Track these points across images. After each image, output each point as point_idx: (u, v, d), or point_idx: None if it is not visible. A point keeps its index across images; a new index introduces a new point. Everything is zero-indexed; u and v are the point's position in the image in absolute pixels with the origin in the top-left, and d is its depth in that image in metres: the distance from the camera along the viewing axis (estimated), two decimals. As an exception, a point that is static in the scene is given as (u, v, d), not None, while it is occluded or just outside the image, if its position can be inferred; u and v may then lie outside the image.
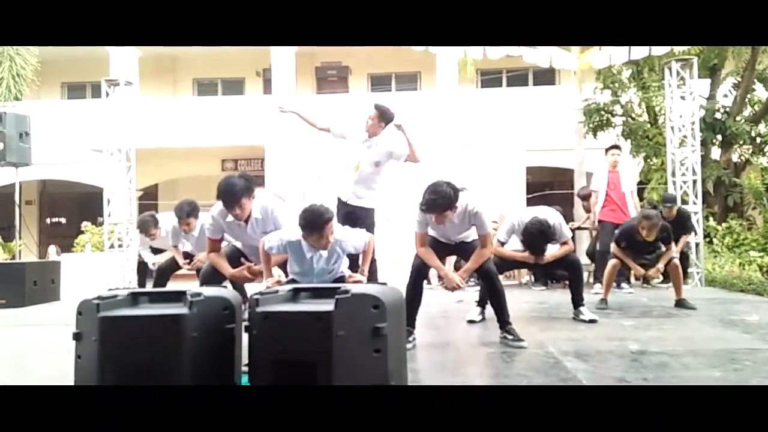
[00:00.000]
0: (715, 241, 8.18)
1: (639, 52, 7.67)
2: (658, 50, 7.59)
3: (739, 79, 9.29)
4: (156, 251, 5.93)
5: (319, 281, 3.32)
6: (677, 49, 7.67)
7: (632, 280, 6.68)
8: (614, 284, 5.72)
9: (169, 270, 5.33)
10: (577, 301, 4.44)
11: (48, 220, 14.42)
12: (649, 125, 9.15)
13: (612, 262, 5.02)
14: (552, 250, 4.62)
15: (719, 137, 9.02)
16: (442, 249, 3.84)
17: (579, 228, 7.97)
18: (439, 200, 3.38)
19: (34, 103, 10.85)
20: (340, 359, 1.96)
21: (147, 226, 5.61)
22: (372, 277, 3.58)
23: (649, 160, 8.89)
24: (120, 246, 8.08)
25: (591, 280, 6.85)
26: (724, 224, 8.43)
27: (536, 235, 4.25)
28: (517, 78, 13.50)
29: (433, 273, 8.14)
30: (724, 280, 6.67)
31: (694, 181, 7.21)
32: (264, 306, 2.09)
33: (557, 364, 3.09)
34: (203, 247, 4.74)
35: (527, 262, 4.65)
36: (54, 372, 2.95)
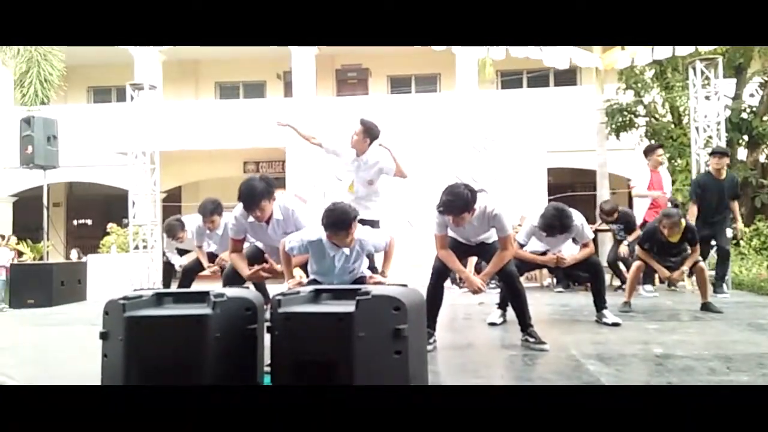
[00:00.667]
0: (742, 243, 8.01)
1: (662, 51, 7.55)
2: (682, 50, 7.46)
3: (766, 79, 9.10)
4: (182, 252, 6.02)
5: (339, 281, 3.34)
6: (702, 48, 7.55)
7: (657, 282, 6.59)
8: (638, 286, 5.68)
9: (193, 271, 5.40)
10: (600, 304, 4.38)
11: (74, 222, 14.70)
12: (673, 126, 9.01)
13: (636, 264, 4.95)
14: (572, 251, 4.57)
15: (745, 137, 8.85)
16: (462, 250, 3.82)
17: (599, 230, 7.88)
18: (457, 202, 3.37)
19: (61, 107, 11.09)
20: (360, 360, 1.97)
21: (174, 230, 5.70)
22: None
23: (673, 161, 8.75)
24: (145, 247, 8.21)
25: (614, 282, 6.78)
26: (751, 226, 8.26)
27: (552, 218, 4.13)
28: (538, 79, 13.40)
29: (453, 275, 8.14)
30: (752, 283, 6.53)
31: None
32: (286, 307, 2.11)
33: (580, 367, 3.06)
34: (227, 247, 4.81)
35: (548, 265, 4.60)
36: (81, 370, 3.01)
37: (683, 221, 4.79)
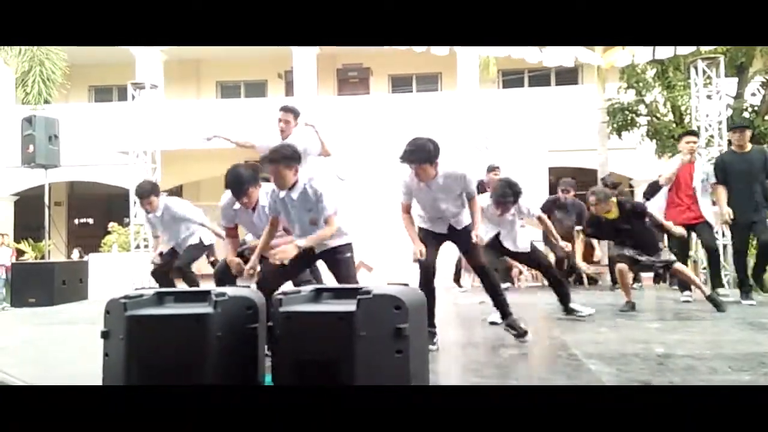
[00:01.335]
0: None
1: (664, 51, 7.55)
2: (684, 49, 7.46)
3: (768, 78, 9.09)
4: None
5: (300, 225, 3.36)
6: (703, 47, 7.54)
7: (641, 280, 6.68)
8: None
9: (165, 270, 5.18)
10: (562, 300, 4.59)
11: (76, 221, 14.72)
12: (674, 125, 9.00)
13: (618, 267, 4.91)
14: (526, 237, 4.70)
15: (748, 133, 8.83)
16: (436, 241, 3.78)
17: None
18: (418, 152, 3.40)
19: (62, 107, 11.09)
20: (361, 360, 1.97)
21: (143, 192, 5.21)
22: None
23: (674, 161, 8.75)
24: (146, 246, 8.21)
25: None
26: (753, 225, 8.24)
27: (504, 188, 4.32)
28: (539, 78, 13.39)
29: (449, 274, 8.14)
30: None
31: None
32: (287, 306, 2.11)
33: (581, 366, 3.05)
34: (172, 233, 5.05)
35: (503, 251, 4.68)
36: (82, 370, 3.01)
37: (615, 198, 4.84)
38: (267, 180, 3.61)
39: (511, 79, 13.46)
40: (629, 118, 9.02)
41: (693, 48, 7.47)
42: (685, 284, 5.40)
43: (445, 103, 11.33)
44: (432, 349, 3.11)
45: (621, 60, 8.25)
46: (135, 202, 8.25)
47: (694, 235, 5.71)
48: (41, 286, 6.46)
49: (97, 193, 13.58)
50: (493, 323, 4.44)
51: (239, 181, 3.50)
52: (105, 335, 2.20)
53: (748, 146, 5.45)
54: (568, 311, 4.57)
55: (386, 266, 8.07)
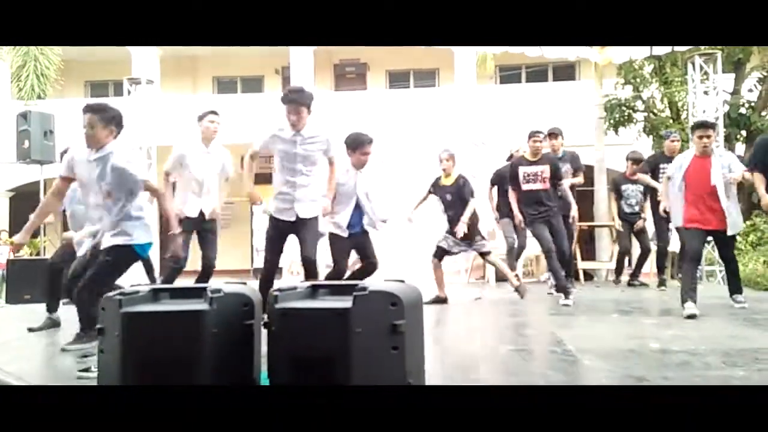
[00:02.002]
0: (739, 238, 8.03)
1: (661, 47, 7.55)
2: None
3: (765, 74, 9.10)
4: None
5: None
6: (700, 43, 7.55)
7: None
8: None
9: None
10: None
11: (72, 217, 14.66)
12: (671, 121, 9.01)
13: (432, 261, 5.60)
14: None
15: (744, 133, 8.85)
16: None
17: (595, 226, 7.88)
18: (294, 94, 3.72)
19: (57, 102, 11.03)
20: (358, 356, 1.97)
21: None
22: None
23: (671, 157, 8.77)
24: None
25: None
26: (748, 222, 8.28)
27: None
28: (537, 74, 13.39)
29: (454, 269, 8.16)
30: (748, 279, 6.55)
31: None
32: (283, 302, 2.10)
33: (576, 362, 3.07)
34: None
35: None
36: (78, 366, 3.01)
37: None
38: None
39: (509, 74, 13.45)
40: (626, 114, 9.02)
41: (690, 44, 7.48)
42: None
43: (443, 98, 11.32)
44: None
45: (618, 56, 8.24)
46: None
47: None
48: (36, 282, 6.44)
49: (94, 189, 13.53)
50: (566, 305, 4.89)
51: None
52: (100, 332, 2.19)
53: None
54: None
55: (382, 262, 8.08)
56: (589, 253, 9.53)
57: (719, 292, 5.69)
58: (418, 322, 2.23)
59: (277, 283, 3.25)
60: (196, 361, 2.06)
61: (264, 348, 2.17)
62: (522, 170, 5.27)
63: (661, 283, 6.35)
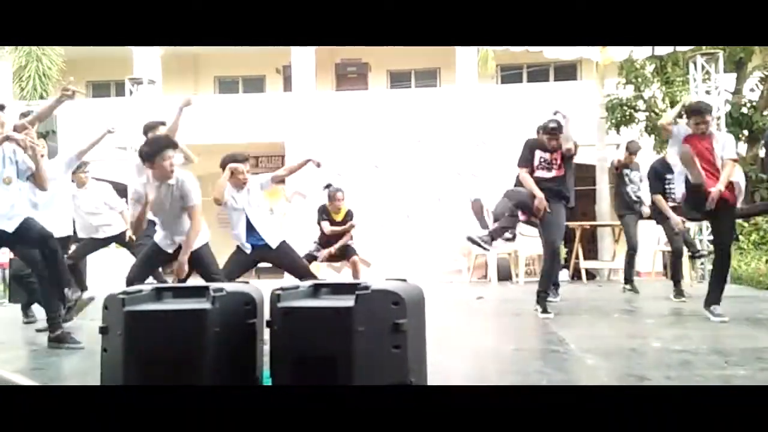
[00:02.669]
0: (741, 238, 8.03)
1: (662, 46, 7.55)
2: (683, 45, 7.46)
3: (767, 73, 9.09)
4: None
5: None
6: (702, 42, 7.54)
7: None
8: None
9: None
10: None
11: (74, 217, 14.67)
12: (671, 125, 8.99)
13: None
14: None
15: (745, 132, 8.84)
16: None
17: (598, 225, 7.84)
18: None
19: (59, 102, 11.02)
20: (360, 355, 1.97)
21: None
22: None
23: (673, 156, 8.75)
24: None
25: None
26: (750, 221, 8.27)
27: None
28: (538, 73, 13.37)
29: (456, 268, 8.16)
30: (751, 278, 6.56)
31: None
32: (285, 302, 2.11)
33: (578, 361, 3.07)
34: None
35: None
36: (80, 365, 3.02)
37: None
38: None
39: (510, 74, 13.43)
40: (628, 113, 9.01)
41: (692, 43, 7.47)
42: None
43: (444, 98, 11.31)
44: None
45: (619, 55, 8.24)
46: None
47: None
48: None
49: (95, 189, 13.55)
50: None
51: None
52: (103, 331, 2.20)
53: None
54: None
55: (384, 261, 8.09)
56: (592, 253, 9.53)
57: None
58: (420, 321, 2.24)
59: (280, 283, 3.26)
60: (199, 360, 2.06)
61: (266, 347, 2.18)
62: (539, 154, 4.78)
63: (679, 293, 5.33)
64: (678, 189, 4.55)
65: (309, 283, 2.36)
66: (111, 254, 8.88)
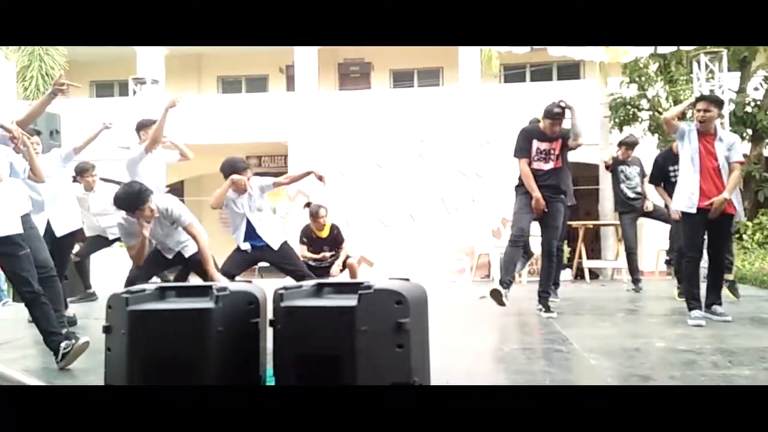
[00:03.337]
0: (745, 237, 8.01)
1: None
2: (686, 43, 7.43)
3: (771, 72, 9.06)
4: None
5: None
6: (706, 41, 7.52)
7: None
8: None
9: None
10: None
11: (77, 216, 14.69)
12: (676, 120, 8.97)
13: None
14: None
15: (749, 131, 8.81)
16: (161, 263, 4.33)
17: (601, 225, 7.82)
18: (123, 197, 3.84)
19: (63, 102, 11.06)
20: (363, 354, 1.97)
21: (82, 170, 5.72)
22: None
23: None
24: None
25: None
26: (754, 220, 8.25)
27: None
28: (541, 72, 13.35)
29: (459, 267, 8.15)
30: (754, 277, 6.53)
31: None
32: (288, 301, 2.11)
33: (581, 361, 3.06)
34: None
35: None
36: (84, 365, 3.03)
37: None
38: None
39: (513, 73, 13.42)
40: (631, 112, 8.99)
41: (695, 42, 7.45)
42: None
43: (447, 97, 11.29)
44: None
45: (624, 56, 8.21)
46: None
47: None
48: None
49: (99, 189, 13.57)
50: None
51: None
52: (107, 330, 2.20)
53: None
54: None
55: (387, 261, 8.08)
56: (595, 252, 9.51)
57: (725, 291, 5.67)
58: (423, 321, 2.24)
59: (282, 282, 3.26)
60: (202, 360, 2.07)
61: (270, 346, 2.18)
62: (536, 144, 4.50)
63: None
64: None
65: (312, 282, 2.37)
66: (114, 254, 8.90)
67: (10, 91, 12.13)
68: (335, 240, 5.80)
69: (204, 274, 3.99)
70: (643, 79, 9.09)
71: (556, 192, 4.47)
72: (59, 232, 4.35)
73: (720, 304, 4.12)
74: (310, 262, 5.52)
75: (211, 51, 13.82)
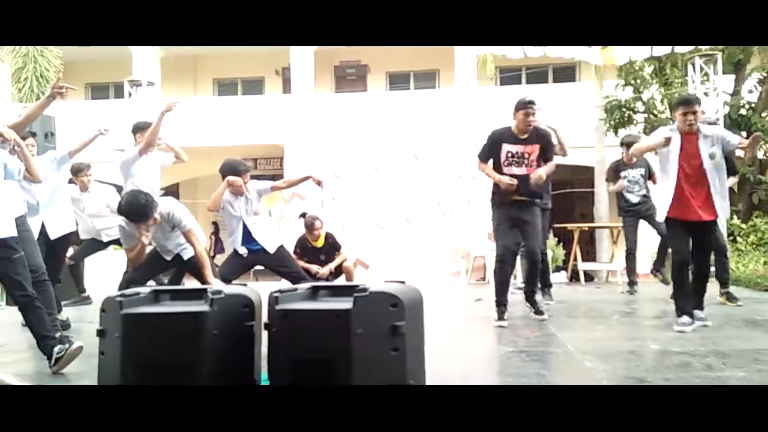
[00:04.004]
0: (739, 239, 8.04)
1: (661, 48, 7.55)
2: (681, 46, 7.47)
3: (765, 75, 9.10)
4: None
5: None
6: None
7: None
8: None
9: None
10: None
11: (72, 219, 14.64)
12: (671, 122, 9.00)
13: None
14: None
15: (744, 134, 8.84)
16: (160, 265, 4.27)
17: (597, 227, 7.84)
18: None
19: (58, 104, 11.03)
20: (358, 357, 1.97)
21: (77, 170, 5.61)
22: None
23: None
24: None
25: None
26: (748, 222, 8.28)
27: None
28: (537, 75, 13.39)
29: (454, 270, 8.16)
30: (749, 279, 6.55)
31: (718, 179, 7.05)
32: (283, 304, 2.11)
33: (576, 363, 3.07)
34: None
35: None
36: (78, 368, 3.01)
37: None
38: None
39: (509, 76, 13.45)
40: (626, 115, 9.02)
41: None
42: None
43: (443, 100, 11.31)
44: None
45: (620, 58, 8.24)
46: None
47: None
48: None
49: (94, 191, 13.53)
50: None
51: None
52: (101, 333, 2.20)
53: None
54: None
55: (383, 263, 8.08)
56: (590, 255, 9.53)
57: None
58: (419, 324, 2.24)
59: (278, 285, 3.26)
60: (197, 363, 2.06)
61: (264, 349, 2.18)
62: (506, 148, 4.29)
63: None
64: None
65: (307, 285, 2.36)
66: (108, 257, 8.86)
67: (4, 93, 12.09)
68: (332, 248, 5.76)
69: (201, 278, 3.99)
70: (638, 81, 9.11)
71: (532, 197, 4.23)
72: (53, 235, 4.33)
73: (702, 308, 4.04)
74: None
75: (206, 53, 13.81)
